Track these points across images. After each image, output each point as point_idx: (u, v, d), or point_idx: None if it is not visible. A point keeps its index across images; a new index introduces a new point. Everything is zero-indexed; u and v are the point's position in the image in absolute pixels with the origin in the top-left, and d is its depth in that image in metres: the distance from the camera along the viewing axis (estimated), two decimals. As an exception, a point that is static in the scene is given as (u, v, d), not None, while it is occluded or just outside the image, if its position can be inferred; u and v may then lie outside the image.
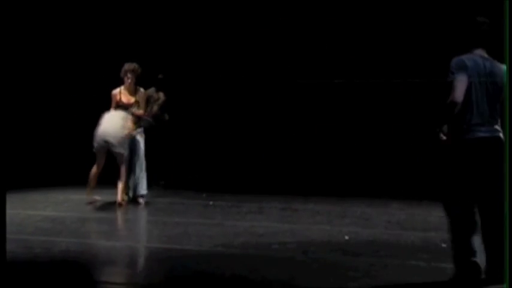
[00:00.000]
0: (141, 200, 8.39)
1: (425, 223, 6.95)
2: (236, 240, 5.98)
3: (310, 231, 6.48)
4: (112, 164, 8.24)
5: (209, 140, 10.97)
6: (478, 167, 4.28)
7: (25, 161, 10.21)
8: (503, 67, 4.34)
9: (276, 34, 10.67)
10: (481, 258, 4.32)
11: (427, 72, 8.44)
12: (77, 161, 9.01)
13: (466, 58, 4.33)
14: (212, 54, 11.00)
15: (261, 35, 10.75)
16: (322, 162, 10.37)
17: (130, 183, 8.50)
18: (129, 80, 8.30)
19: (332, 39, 10.42)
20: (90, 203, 8.04)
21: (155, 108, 9.91)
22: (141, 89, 8.50)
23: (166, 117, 10.00)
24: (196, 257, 5.40)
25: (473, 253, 4.29)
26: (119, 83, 8.50)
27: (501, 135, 4.32)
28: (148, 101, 9.93)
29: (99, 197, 8.21)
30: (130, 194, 8.49)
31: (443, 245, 5.67)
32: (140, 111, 8.42)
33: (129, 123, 8.16)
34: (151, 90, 10.01)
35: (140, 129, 8.68)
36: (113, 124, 7.98)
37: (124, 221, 7.57)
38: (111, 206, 8.08)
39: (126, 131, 7.99)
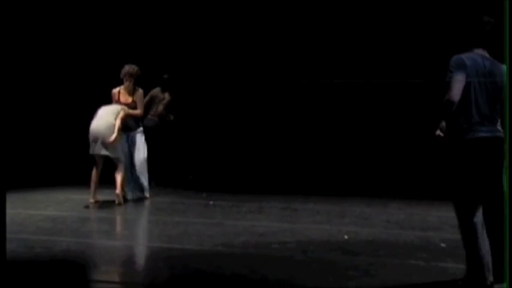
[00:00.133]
0: (147, 195, 8.58)
1: (424, 223, 6.96)
2: (236, 239, 5.98)
3: (309, 230, 6.48)
4: (112, 164, 8.29)
5: (209, 139, 10.99)
6: (480, 167, 4.25)
7: (26, 161, 10.22)
8: (504, 67, 4.32)
9: (276, 34, 10.69)
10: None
11: (427, 73, 8.45)
12: (77, 160, 9.01)
13: (466, 57, 4.30)
14: (212, 54, 11.02)
15: (261, 35, 10.77)
16: (322, 162, 10.39)
17: (132, 184, 8.56)
18: (128, 82, 8.43)
19: (332, 39, 10.44)
20: (93, 203, 8.05)
21: (160, 108, 9.97)
22: (139, 90, 8.57)
23: (171, 117, 10.04)
24: (196, 256, 5.40)
25: (485, 254, 4.25)
26: (120, 82, 8.57)
27: (502, 135, 4.29)
28: (153, 101, 10.00)
29: (100, 197, 8.23)
30: (134, 196, 8.57)
31: (442, 245, 5.72)
32: (137, 112, 8.48)
33: (121, 115, 8.19)
34: (157, 90, 10.06)
35: (140, 130, 8.71)
36: (103, 123, 8.02)
37: (124, 221, 7.57)
38: (111, 205, 8.09)
39: (114, 135, 7.99)
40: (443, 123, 4.51)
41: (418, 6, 9.90)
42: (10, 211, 6.93)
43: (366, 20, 10.29)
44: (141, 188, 8.64)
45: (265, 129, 10.78)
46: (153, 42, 10.89)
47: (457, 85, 4.20)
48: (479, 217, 4.25)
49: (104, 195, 8.27)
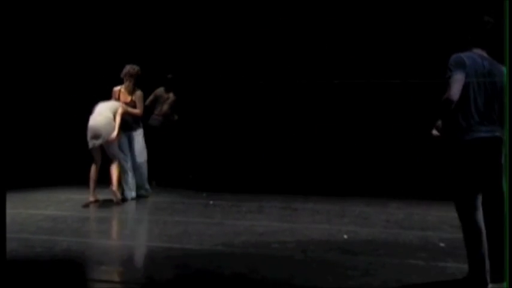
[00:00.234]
0: (146, 194, 8.65)
1: (424, 222, 6.97)
2: (236, 239, 5.99)
3: (309, 230, 6.49)
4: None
5: (209, 139, 11.00)
6: (480, 167, 4.25)
7: (27, 161, 10.24)
8: (503, 68, 4.33)
9: (276, 35, 10.70)
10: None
11: (427, 73, 8.46)
12: (78, 160, 9.03)
13: (465, 56, 4.29)
14: (212, 55, 11.03)
15: (261, 35, 10.79)
16: (322, 162, 10.40)
17: (133, 184, 8.59)
18: (128, 82, 8.50)
19: (332, 39, 10.46)
20: (93, 202, 8.07)
21: (166, 107, 10.00)
22: (139, 91, 8.61)
23: (176, 117, 10.06)
24: (196, 255, 5.41)
25: (486, 255, 4.24)
26: (121, 82, 8.62)
27: (500, 135, 4.29)
28: (157, 100, 10.04)
29: (100, 197, 8.25)
30: (134, 194, 8.60)
31: (442, 244, 5.72)
32: (136, 111, 8.52)
33: (120, 111, 8.24)
34: (161, 89, 10.09)
35: (140, 130, 8.75)
36: (102, 119, 8.06)
37: (125, 220, 7.58)
38: (111, 205, 8.11)
39: (115, 133, 8.05)
40: (439, 122, 4.51)
41: (418, 6, 9.91)
42: (11, 211, 6.97)
43: (366, 20, 10.31)
44: (140, 188, 8.67)
45: (265, 129, 10.79)
46: (157, 42, 10.92)
47: (457, 84, 4.19)
48: (481, 216, 4.24)
49: (104, 195, 8.29)
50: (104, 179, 8.25)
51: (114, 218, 7.65)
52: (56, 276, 4.82)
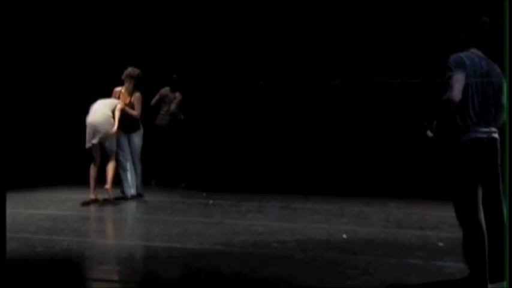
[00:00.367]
0: (141, 192, 8.70)
1: (423, 222, 6.99)
2: (236, 238, 6.00)
3: (309, 229, 6.50)
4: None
5: (209, 139, 11.01)
6: (477, 168, 4.24)
7: (27, 161, 10.26)
8: (498, 68, 4.35)
9: (277, 35, 10.71)
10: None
11: (426, 73, 8.47)
12: (78, 160, 9.04)
13: (465, 56, 4.27)
14: (213, 55, 11.05)
15: (262, 35, 10.80)
16: (321, 162, 10.42)
17: (132, 182, 8.65)
18: (128, 83, 8.59)
19: (331, 40, 10.47)
20: (93, 201, 8.10)
21: (173, 106, 10.02)
22: (138, 93, 8.68)
23: (181, 116, 10.09)
24: (196, 255, 5.42)
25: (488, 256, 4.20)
26: (122, 83, 8.67)
27: (497, 136, 4.31)
28: (163, 100, 10.07)
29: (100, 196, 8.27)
30: (134, 192, 8.65)
31: (440, 244, 5.73)
32: (134, 112, 8.57)
33: (120, 107, 8.31)
34: (166, 89, 10.12)
35: (140, 131, 8.79)
36: (100, 116, 8.12)
37: (125, 220, 7.60)
38: (111, 205, 8.14)
39: (115, 127, 8.13)
40: (434, 123, 4.50)
41: (417, 6, 9.93)
42: (11, 210, 7.00)
43: (365, 20, 10.32)
44: (137, 187, 8.76)
45: (265, 129, 10.80)
46: (161, 43, 10.95)
47: (458, 85, 4.16)
48: (482, 217, 4.22)
49: (103, 194, 8.32)
50: (103, 179, 8.29)
51: (114, 218, 7.67)
52: (56, 276, 4.83)
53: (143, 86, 8.79)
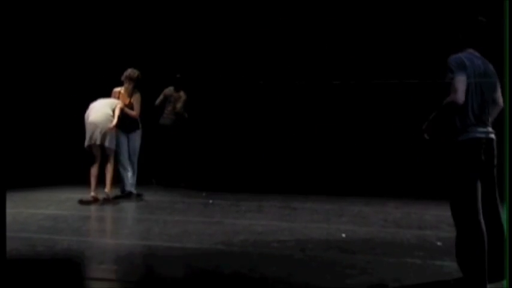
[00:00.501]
0: (134, 191, 8.78)
1: (421, 221, 7.01)
2: (236, 238, 6.02)
3: (308, 229, 6.52)
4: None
5: (209, 139, 11.04)
6: (476, 168, 4.23)
7: (28, 161, 10.29)
8: (492, 66, 4.38)
9: (277, 36, 10.74)
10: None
11: (426, 73, 8.50)
12: (78, 160, 9.08)
13: (464, 57, 4.27)
14: (214, 55, 11.08)
15: (262, 36, 10.83)
16: (321, 162, 10.44)
17: (130, 180, 8.71)
18: (127, 84, 8.65)
19: (331, 40, 10.50)
20: (93, 200, 8.12)
21: (179, 106, 10.05)
22: (138, 93, 8.75)
23: (186, 115, 10.13)
24: (196, 254, 5.44)
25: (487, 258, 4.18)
26: (121, 83, 8.70)
27: (494, 136, 4.32)
28: (167, 99, 10.10)
29: (100, 196, 8.30)
30: (133, 189, 8.74)
31: (439, 243, 5.75)
32: (133, 112, 8.61)
33: (120, 106, 8.38)
34: (170, 89, 10.15)
35: (139, 131, 8.84)
36: (101, 115, 8.16)
37: (125, 220, 7.61)
38: (111, 205, 8.17)
39: (114, 122, 8.18)
40: (427, 124, 4.46)
41: (417, 6, 9.95)
42: (12, 210, 7.03)
43: (365, 20, 10.34)
44: (132, 185, 8.82)
45: (265, 129, 10.83)
46: (163, 43, 10.98)
47: (461, 87, 4.15)
48: (482, 218, 4.21)
49: (104, 194, 8.37)
50: (102, 178, 8.33)
51: (114, 217, 7.68)
52: (56, 275, 4.85)
53: (146, 86, 8.84)
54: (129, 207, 8.27)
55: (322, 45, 10.56)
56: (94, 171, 8.21)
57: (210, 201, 8.39)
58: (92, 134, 8.11)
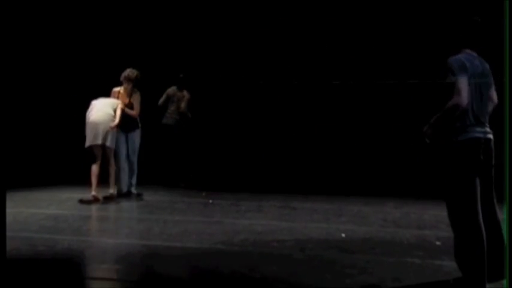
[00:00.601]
0: (134, 191, 8.83)
1: (420, 221, 7.03)
2: (235, 237, 6.04)
3: (307, 229, 6.53)
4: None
5: (209, 139, 11.05)
6: (476, 167, 4.24)
7: (28, 161, 10.30)
8: (487, 65, 4.40)
9: (277, 36, 10.76)
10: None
11: (425, 73, 8.51)
12: (79, 160, 9.09)
13: (464, 58, 4.27)
14: (214, 56, 11.09)
15: (263, 36, 10.85)
16: (320, 162, 10.46)
17: (131, 180, 8.75)
18: (126, 84, 8.68)
19: (331, 41, 10.52)
20: (94, 200, 8.14)
21: (183, 105, 10.07)
22: (137, 93, 8.80)
23: (189, 114, 10.15)
24: (196, 254, 5.46)
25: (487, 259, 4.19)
26: (121, 82, 8.72)
27: (492, 136, 4.34)
28: (170, 99, 10.12)
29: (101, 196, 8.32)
30: (133, 189, 8.81)
31: (438, 243, 5.77)
32: (133, 112, 8.64)
33: (121, 106, 8.41)
34: (173, 89, 10.17)
35: (138, 130, 8.86)
36: (103, 115, 8.19)
37: (125, 219, 7.62)
38: (112, 204, 8.18)
39: (116, 121, 8.22)
40: (428, 127, 4.46)
41: (416, 7, 9.96)
42: (13, 210, 7.05)
43: (364, 21, 10.36)
44: (131, 185, 8.86)
45: (264, 129, 10.84)
46: (166, 43, 11.00)
47: (465, 88, 4.16)
48: (481, 219, 4.22)
49: (104, 193, 8.38)
50: (104, 179, 8.36)
51: (115, 217, 7.70)
52: (57, 275, 4.86)
53: (148, 85, 8.87)
54: (129, 207, 8.29)
55: (322, 46, 10.57)
56: (95, 170, 8.23)
57: (210, 201, 8.41)
58: (94, 133, 8.13)
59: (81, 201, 8.12)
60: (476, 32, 4.40)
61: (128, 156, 8.81)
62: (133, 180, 8.91)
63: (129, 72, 8.65)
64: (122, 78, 8.67)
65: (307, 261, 5.24)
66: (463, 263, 4.27)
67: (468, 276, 4.22)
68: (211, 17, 11.02)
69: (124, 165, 8.75)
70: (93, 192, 8.15)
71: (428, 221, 6.98)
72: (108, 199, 8.27)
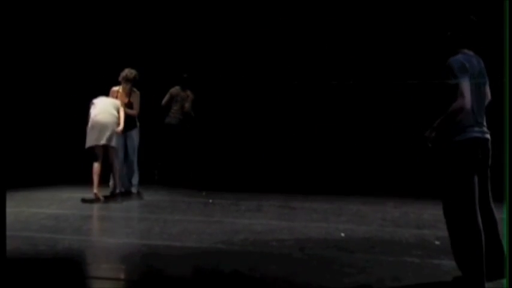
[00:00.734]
0: (134, 190, 8.87)
1: (419, 221, 7.04)
2: (235, 237, 6.05)
3: (307, 228, 6.55)
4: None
5: (209, 138, 11.06)
6: (475, 167, 4.25)
7: (29, 160, 10.32)
8: (483, 63, 4.41)
9: (277, 36, 10.78)
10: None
11: (425, 73, 8.53)
12: (80, 159, 9.11)
13: (464, 59, 4.27)
14: (213, 55, 11.11)
15: (263, 37, 10.87)
16: (320, 162, 10.48)
17: (126, 177, 8.79)
18: (125, 85, 8.71)
19: (331, 41, 10.53)
20: (95, 199, 8.17)
21: (187, 105, 10.10)
22: (136, 92, 8.83)
23: (193, 114, 10.18)
24: (196, 253, 5.47)
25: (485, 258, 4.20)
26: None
27: (489, 136, 4.36)
28: (173, 99, 10.14)
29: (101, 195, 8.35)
30: (133, 189, 8.87)
31: (437, 242, 5.78)
32: (132, 112, 8.66)
33: (122, 109, 8.47)
34: (176, 89, 10.19)
35: (136, 129, 8.89)
36: (109, 116, 8.22)
37: (126, 219, 7.63)
38: (112, 204, 8.21)
39: (121, 126, 8.25)
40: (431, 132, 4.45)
41: (417, 6, 9.98)
42: (14, 209, 7.07)
43: (364, 21, 10.38)
44: (130, 184, 8.86)
45: (264, 129, 10.86)
46: (169, 43, 11.03)
47: (468, 91, 4.16)
48: (480, 218, 4.23)
49: (105, 193, 8.40)
50: (104, 179, 8.38)
51: (115, 217, 7.70)
52: (58, 274, 4.87)
53: (151, 85, 8.90)
54: (129, 206, 8.30)
55: (322, 46, 10.59)
56: (97, 169, 8.25)
57: (210, 200, 8.43)
58: (98, 134, 8.13)
59: (84, 200, 8.14)
60: (473, 31, 4.41)
61: (127, 155, 8.82)
62: (134, 180, 8.94)
63: (127, 72, 8.67)
64: (120, 78, 8.70)
65: (307, 261, 5.25)
66: (462, 261, 4.28)
67: (467, 274, 4.24)
68: (213, 18, 11.04)
69: (121, 166, 8.76)
70: (95, 190, 8.16)
71: (427, 221, 6.99)
72: (109, 198, 8.29)
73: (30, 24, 10.81)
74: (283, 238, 6.04)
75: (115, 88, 8.72)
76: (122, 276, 5.12)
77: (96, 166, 8.24)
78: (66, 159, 10.47)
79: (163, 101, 10.05)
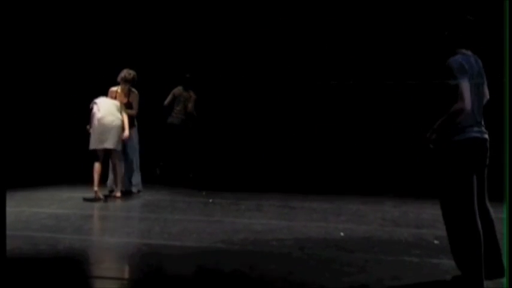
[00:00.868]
0: (134, 190, 8.87)
1: (418, 220, 7.06)
2: (235, 236, 6.06)
3: (307, 228, 6.56)
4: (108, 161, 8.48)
5: (209, 138, 11.08)
6: (473, 167, 4.26)
7: (30, 160, 10.33)
8: (480, 62, 4.42)
9: (278, 37, 10.79)
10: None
11: (425, 74, 8.54)
12: (80, 159, 9.13)
13: (463, 60, 4.26)
14: (214, 55, 11.12)
15: (264, 37, 10.88)
16: (320, 161, 10.49)
17: (126, 177, 8.80)
18: (123, 85, 8.72)
19: (331, 41, 10.55)
20: (96, 198, 8.18)
21: (191, 105, 10.12)
22: (135, 92, 8.84)
23: (195, 114, 10.21)
24: (196, 253, 5.49)
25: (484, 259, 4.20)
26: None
27: (487, 136, 4.36)
28: (176, 99, 10.17)
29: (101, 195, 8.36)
30: (133, 189, 8.87)
31: (436, 242, 5.78)
32: (132, 112, 8.69)
33: (124, 113, 8.47)
34: (179, 89, 10.22)
35: (134, 128, 8.91)
36: (114, 119, 8.24)
37: (126, 219, 7.64)
38: (113, 203, 8.22)
39: (127, 132, 8.27)
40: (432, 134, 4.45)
41: (416, 7, 9.99)
42: (15, 209, 7.08)
43: (364, 21, 10.39)
44: (130, 184, 8.86)
45: (264, 129, 10.88)
46: (171, 43, 11.05)
47: (468, 92, 4.16)
48: (478, 217, 4.23)
49: (105, 193, 8.42)
50: (104, 178, 8.39)
51: (115, 216, 7.72)
52: (58, 273, 4.88)
53: (153, 85, 8.91)
54: (129, 205, 8.32)
55: (322, 46, 10.60)
56: (98, 167, 8.26)
57: (210, 200, 8.44)
58: (104, 137, 8.15)
59: (85, 200, 8.16)
60: (470, 31, 4.40)
61: (127, 155, 8.82)
62: (134, 180, 8.93)
63: (125, 73, 8.68)
64: (118, 79, 8.71)
65: (306, 260, 5.26)
66: (461, 261, 4.29)
67: (466, 274, 4.24)
68: (215, 19, 11.05)
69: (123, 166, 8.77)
70: (95, 188, 8.18)
71: (427, 220, 7.00)
72: (108, 198, 8.30)
73: (30, 24, 10.81)
74: (282, 237, 6.05)
75: (113, 88, 8.73)
76: (122, 275, 5.14)
77: (97, 165, 8.26)
78: (66, 159, 10.48)
79: (166, 101, 10.07)
